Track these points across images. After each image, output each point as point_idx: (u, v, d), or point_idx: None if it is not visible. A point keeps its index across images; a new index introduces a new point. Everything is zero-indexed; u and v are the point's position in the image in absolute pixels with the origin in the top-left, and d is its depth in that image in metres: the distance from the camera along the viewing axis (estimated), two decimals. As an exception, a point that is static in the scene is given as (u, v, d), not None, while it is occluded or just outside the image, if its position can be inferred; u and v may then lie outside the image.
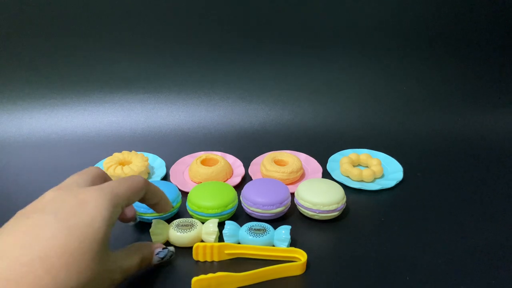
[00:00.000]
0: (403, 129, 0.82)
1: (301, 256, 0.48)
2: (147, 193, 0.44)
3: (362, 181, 0.66)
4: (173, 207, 0.52)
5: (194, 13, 0.80)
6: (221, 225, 0.53)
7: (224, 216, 0.55)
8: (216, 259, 0.49)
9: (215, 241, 0.50)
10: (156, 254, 0.46)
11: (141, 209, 0.54)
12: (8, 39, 0.78)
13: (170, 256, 0.48)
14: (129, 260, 0.42)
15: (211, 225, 0.50)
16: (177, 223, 0.51)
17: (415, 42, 0.84)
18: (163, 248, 0.47)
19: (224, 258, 0.50)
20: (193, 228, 0.51)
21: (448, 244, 0.53)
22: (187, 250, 0.50)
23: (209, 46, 0.83)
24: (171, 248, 0.48)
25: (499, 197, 0.63)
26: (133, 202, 0.43)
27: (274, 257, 0.49)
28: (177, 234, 0.50)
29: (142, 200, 0.46)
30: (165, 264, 0.49)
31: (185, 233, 0.50)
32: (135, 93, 0.83)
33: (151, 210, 0.54)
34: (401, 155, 0.73)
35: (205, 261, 0.49)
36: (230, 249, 0.49)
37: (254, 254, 0.49)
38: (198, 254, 0.49)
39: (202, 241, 0.51)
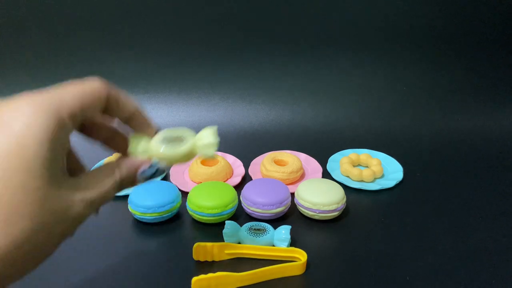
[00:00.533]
0: (403, 129, 0.82)
1: (301, 256, 0.48)
2: (110, 99, 0.31)
3: (362, 181, 0.66)
4: (155, 128, 0.36)
5: (194, 13, 0.80)
6: (221, 225, 0.54)
7: (224, 216, 0.55)
8: (216, 259, 0.49)
9: (214, 155, 0.36)
10: (141, 173, 0.33)
11: (140, 209, 0.54)
12: (8, 39, 0.78)
13: (161, 174, 0.35)
14: (97, 187, 0.30)
15: (206, 135, 0.36)
16: (163, 136, 0.35)
17: (415, 42, 0.84)
18: (150, 166, 0.34)
19: (224, 258, 0.50)
20: (182, 143, 0.35)
21: (448, 244, 0.53)
22: (187, 250, 0.51)
23: (209, 46, 0.82)
24: (161, 163, 0.34)
25: (499, 197, 0.63)
26: (92, 112, 0.30)
27: (274, 257, 0.49)
28: (164, 150, 0.34)
29: (109, 113, 0.32)
30: (164, 263, 0.49)
31: (172, 151, 0.34)
32: (135, 93, 0.83)
33: (152, 210, 0.54)
34: (401, 155, 0.73)
35: (205, 261, 0.50)
36: (230, 249, 0.49)
37: (254, 254, 0.49)
38: (199, 254, 0.49)
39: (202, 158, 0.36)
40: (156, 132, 0.36)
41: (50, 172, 0.26)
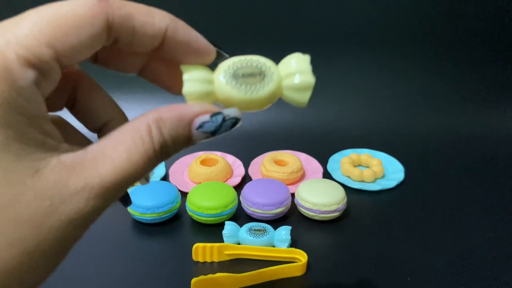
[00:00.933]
0: (404, 129, 0.81)
1: (302, 257, 0.48)
2: (117, 26, 0.19)
3: (363, 181, 0.66)
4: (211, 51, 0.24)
5: (193, 13, 0.79)
6: (221, 225, 0.53)
7: (224, 217, 0.55)
8: (216, 259, 0.49)
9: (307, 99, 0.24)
10: (199, 128, 0.21)
11: (140, 209, 0.54)
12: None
13: (232, 126, 0.22)
14: (116, 161, 0.18)
15: (297, 66, 0.24)
16: (232, 69, 0.23)
17: (416, 42, 0.83)
18: (213, 115, 0.21)
19: (224, 258, 0.49)
20: (265, 80, 0.23)
21: (449, 245, 0.53)
22: (186, 250, 0.50)
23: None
24: (229, 111, 0.22)
25: (500, 196, 0.63)
26: (81, 53, 0.19)
27: (274, 258, 0.49)
28: (239, 93, 0.23)
29: (124, 46, 0.20)
30: (165, 263, 0.49)
31: (252, 94, 0.23)
32: (135, 94, 0.82)
33: (151, 210, 0.54)
34: (402, 155, 0.73)
35: (205, 262, 0.49)
36: (230, 250, 0.49)
37: (254, 254, 0.49)
38: (198, 255, 0.49)
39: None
40: (218, 57, 0.24)
41: (6, 155, 0.16)
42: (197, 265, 0.49)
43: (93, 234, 0.54)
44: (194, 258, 0.49)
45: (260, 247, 0.49)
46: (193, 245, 0.49)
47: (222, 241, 0.51)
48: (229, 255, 0.49)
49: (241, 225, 0.52)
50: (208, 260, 0.49)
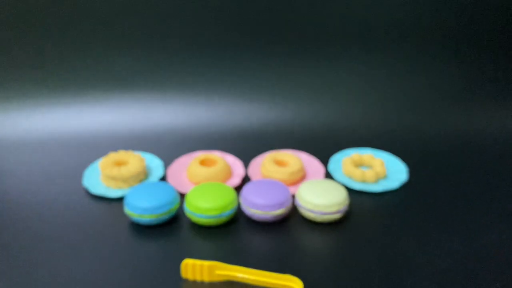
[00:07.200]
0: (407, 129, 0.79)
1: (297, 285, 0.44)
2: None
3: (364, 182, 0.64)
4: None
5: (193, 12, 0.78)
6: (221, 227, 0.51)
7: (223, 218, 0.53)
8: (206, 279, 0.45)
9: None
10: None
11: (137, 211, 0.53)
12: (6, 39, 0.77)
13: None
14: None
15: None
16: None
17: (418, 41, 0.81)
18: None
19: (215, 279, 0.46)
20: None
21: (453, 248, 0.51)
22: (185, 253, 0.48)
23: (209, 45, 0.80)
24: None
25: (506, 198, 0.60)
26: None
27: (267, 284, 0.45)
28: None
29: None
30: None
31: None
32: (132, 93, 0.81)
33: (149, 212, 0.53)
34: (405, 155, 0.71)
35: (195, 280, 0.46)
36: (222, 270, 0.45)
37: (246, 278, 0.45)
38: (187, 272, 0.45)
39: None
40: None
41: None
42: (186, 283, 0.45)
43: (90, 236, 0.54)
44: (183, 275, 0.45)
45: (253, 270, 0.45)
46: (192, 246, 0.48)
47: (223, 242, 0.48)
48: (220, 275, 0.45)
49: (241, 226, 0.50)
50: (198, 278, 0.45)
